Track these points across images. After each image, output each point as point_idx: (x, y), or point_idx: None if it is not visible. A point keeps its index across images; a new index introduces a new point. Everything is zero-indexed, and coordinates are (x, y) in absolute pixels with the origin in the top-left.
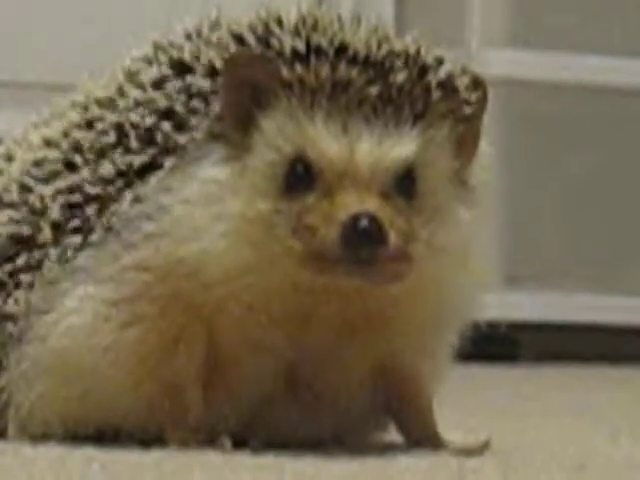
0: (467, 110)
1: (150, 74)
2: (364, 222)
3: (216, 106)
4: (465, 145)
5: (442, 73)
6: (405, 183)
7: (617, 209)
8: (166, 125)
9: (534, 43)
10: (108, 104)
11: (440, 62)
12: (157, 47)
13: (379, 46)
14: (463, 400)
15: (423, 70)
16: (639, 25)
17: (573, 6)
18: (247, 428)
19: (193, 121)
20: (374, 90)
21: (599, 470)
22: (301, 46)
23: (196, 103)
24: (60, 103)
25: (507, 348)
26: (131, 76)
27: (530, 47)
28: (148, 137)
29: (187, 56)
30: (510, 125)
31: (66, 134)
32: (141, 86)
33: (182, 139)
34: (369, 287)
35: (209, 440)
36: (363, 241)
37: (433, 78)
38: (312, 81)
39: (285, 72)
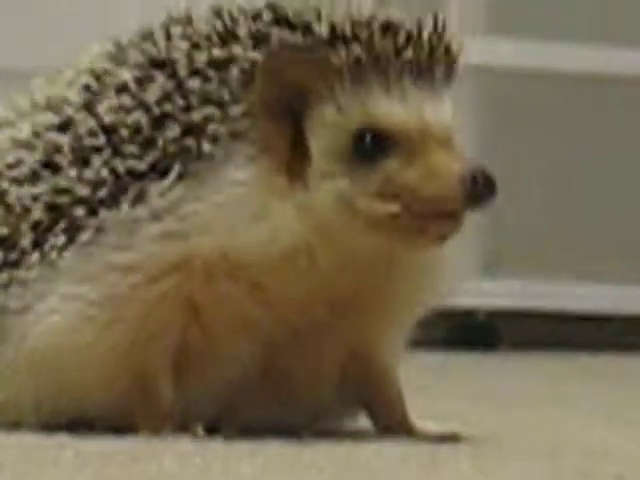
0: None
1: (130, 74)
2: (482, 174)
3: (234, 106)
4: None
5: (449, 36)
6: None
7: (597, 197)
8: (167, 130)
9: (512, 31)
10: (85, 106)
11: (444, 27)
12: (123, 46)
13: (395, 16)
14: (440, 387)
15: (439, 34)
16: (618, 13)
17: None
18: (220, 415)
19: (199, 124)
20: (408, 56)
21: (571, 457)
22: (340, 27)
23: (207, 107)
24: (20, 104)
25: (485, 336)
26: (101, 76)
27: (508, 35)
28: (146, 141)
29: (176, 55)
30: (488, 113)
31: (38, 135)
32: (123, 87)
33: (190, 142)
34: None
35: (182, 427)
36: (487, 191)
37: (449, 41)
38: (359, 59)
39: (332, 57)
